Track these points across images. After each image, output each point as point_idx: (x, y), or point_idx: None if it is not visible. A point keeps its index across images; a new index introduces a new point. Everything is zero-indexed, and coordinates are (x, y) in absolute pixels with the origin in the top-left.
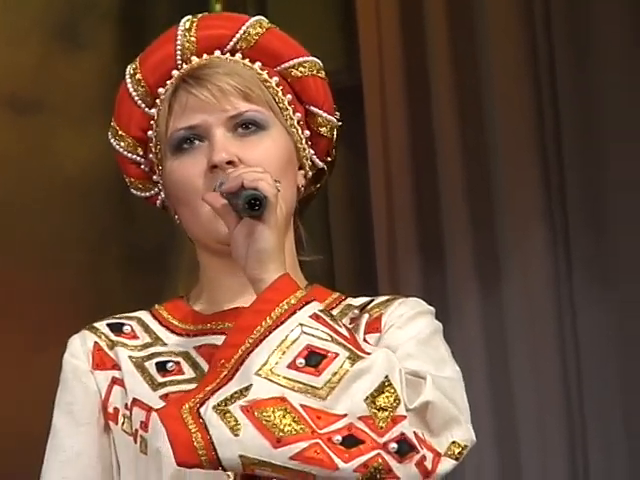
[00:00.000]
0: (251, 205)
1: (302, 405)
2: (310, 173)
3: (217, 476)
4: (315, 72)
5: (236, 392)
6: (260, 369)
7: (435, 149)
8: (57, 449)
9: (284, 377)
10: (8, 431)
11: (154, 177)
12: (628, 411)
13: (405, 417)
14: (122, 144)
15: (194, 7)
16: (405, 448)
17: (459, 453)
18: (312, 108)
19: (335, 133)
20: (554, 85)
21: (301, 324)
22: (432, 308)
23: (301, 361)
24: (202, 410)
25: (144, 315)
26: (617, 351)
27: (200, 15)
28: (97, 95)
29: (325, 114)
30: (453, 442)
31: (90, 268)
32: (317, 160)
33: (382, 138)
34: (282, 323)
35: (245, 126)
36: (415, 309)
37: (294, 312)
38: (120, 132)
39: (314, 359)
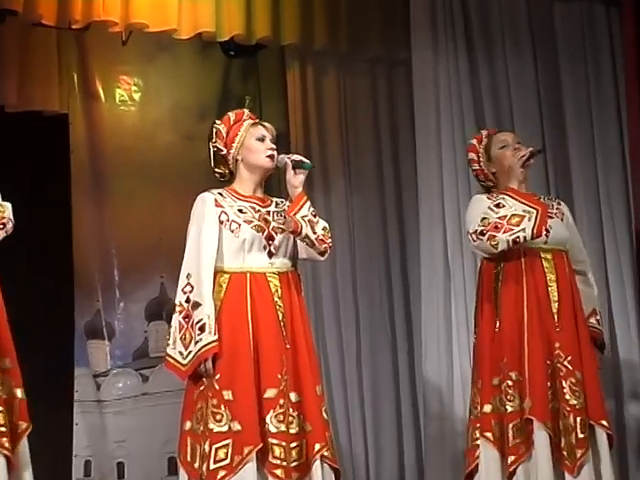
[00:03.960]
0: (308, 167)
1: (315, 221)
2: None
3: (261, 258)
4: None
5: (306, 214)
6: (307, 210)
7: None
8: (207, 232)
9: (310, 215)
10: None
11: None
12: (368, 242)
13: None
14: (219, 140)
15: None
16: None
17: None
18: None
19: None
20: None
21: (309, 206)
22: None
23: (314, 213)
24: (296, 216)
25: (223, 190)
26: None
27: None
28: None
29: None
30: None
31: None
32: None
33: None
34: (305, 203)
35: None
36: None
37: (307, 201)
38: (224, 130)
39: (315, 215)
